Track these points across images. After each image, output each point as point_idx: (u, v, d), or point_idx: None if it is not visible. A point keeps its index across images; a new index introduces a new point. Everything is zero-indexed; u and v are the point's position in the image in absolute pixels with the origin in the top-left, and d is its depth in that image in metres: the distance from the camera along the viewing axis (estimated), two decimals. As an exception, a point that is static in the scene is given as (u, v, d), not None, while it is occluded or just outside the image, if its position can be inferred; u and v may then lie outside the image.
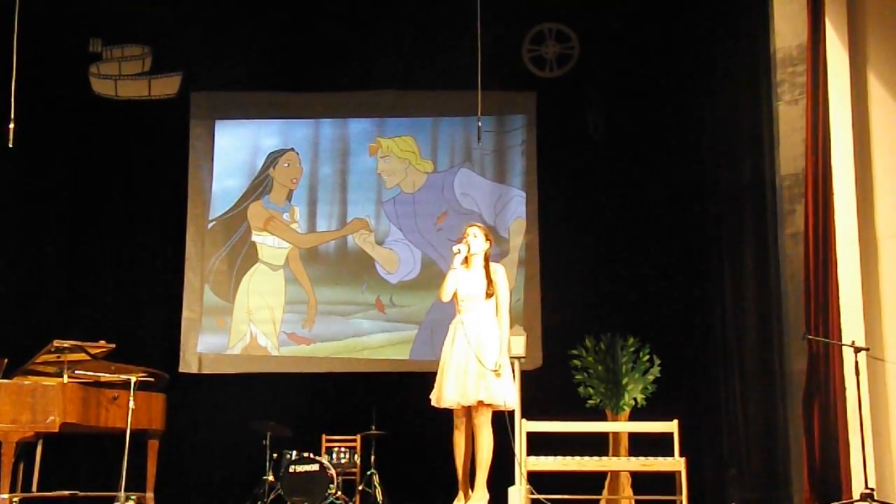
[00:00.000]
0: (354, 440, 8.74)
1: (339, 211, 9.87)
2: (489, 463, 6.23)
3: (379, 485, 8.43)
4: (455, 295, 6.34)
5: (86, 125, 9.75)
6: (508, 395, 6.26)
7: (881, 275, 6.73)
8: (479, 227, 6.49)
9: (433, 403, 6.31)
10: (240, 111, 10.04)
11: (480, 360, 6.15)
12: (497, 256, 9.53)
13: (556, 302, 9.33)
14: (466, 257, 6.37)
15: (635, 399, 8.33)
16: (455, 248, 6.34)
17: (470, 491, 6.25)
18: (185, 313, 9.62)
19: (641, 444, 7.86)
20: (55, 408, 6.79)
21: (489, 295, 6.31)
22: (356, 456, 8.61)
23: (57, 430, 6.85)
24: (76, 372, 7.13)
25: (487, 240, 6.45)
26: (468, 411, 6.23)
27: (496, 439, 6.29)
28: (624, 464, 7.66)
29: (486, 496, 6.27)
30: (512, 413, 6.50)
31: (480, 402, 6.15)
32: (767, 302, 7.78)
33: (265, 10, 9.63)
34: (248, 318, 9.68)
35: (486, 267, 6.39)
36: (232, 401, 9.22)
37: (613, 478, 8.19)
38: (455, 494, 6.35)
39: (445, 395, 6.20)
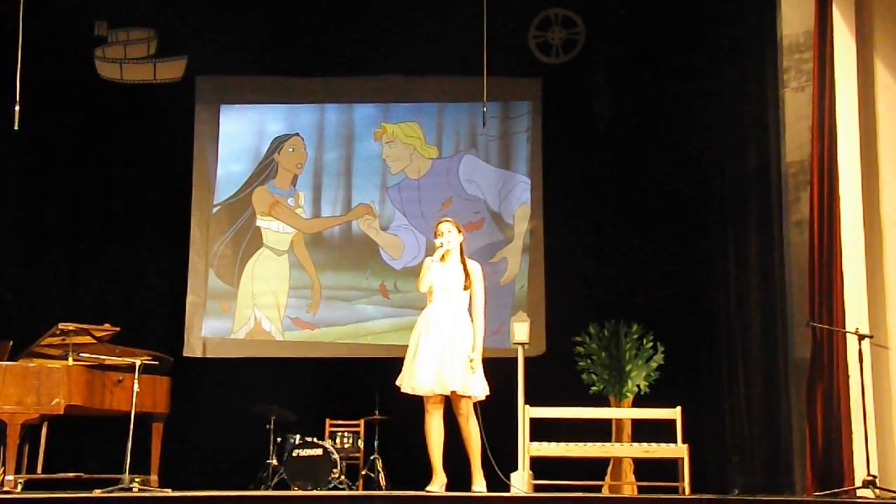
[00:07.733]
0: (358, 425, 8.76)
1: (344, 196, 9.86)
2: (479, 449, 6.38)
3: (382, 469, 8.47)
4: (430, 286, 6.43)
5: (90, 108, 9.72)
6: (480, 387, 6.35)
7: (885, 262, 6.72)
8: (450, 221, 6.58)
9: (404, 390, 6.41)
10: (245, 96, 10.03)
11: (453, 351, 6.26)
12: (501, 243, 9.63)
13: (559, 288, 9.33)
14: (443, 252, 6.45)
15: (638, 386, 8.34)
16: (438, 243, 6.45)
17: (443, 474, 6.36)
18: (189, 297, 9.63)
19: (644, 431, 7.89)
20: (60, 390, 6.79)
21: (466, 287, 6.43)
22: (359, 440, 8.64)
23: (62, 413, 6.86)
24: (81, 355, 7.14)
25: (460, 232, 6.55)
26: (444, 400, 6.35)
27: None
28: (627, 450, 7.68)
29: (484, 480, 6.40)
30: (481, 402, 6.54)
31: (455, 393, 6.28)
32: (771, 289, 7.78)
33: (270, -5, 9.62)
34: (252, 303, 9.69)
35: (463, 259, 6.51)
36: (236, 385, 9.21)
37: (616, 464, 8.20)
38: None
39: (420, 382, 6.30)
